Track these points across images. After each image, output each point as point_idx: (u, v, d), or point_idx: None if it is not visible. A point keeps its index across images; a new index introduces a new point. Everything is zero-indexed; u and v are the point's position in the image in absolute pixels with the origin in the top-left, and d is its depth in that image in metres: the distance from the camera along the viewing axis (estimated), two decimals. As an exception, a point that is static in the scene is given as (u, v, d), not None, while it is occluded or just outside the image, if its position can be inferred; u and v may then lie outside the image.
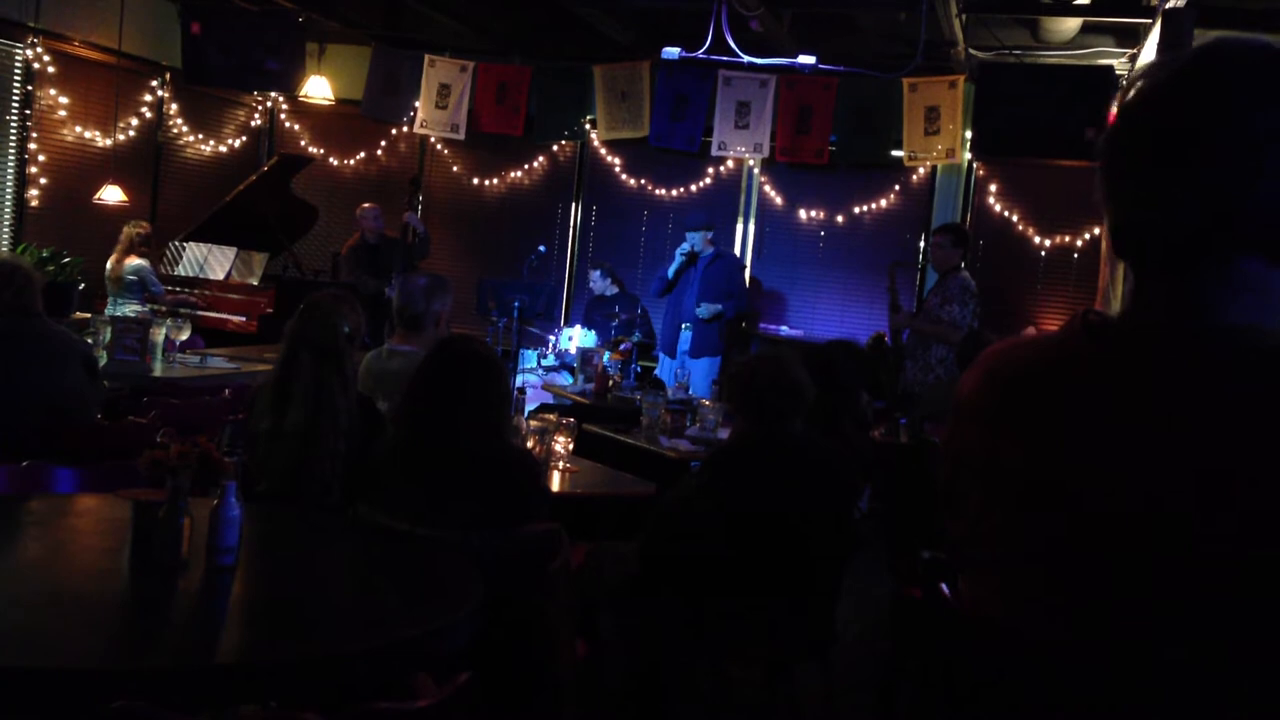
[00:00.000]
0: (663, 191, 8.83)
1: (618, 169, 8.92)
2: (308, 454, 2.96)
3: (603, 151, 8.88)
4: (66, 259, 7.65)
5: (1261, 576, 0.98)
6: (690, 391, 5.97)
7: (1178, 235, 1.08)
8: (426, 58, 8.65)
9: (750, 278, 8.34)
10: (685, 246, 7.31)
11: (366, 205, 8.28)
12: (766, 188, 8.62)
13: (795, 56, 6.76)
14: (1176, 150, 1.07)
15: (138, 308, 7.02)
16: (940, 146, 7.61)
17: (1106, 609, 1.05)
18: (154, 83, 8.71)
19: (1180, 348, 1.07)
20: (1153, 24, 5.80)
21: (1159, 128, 1.09)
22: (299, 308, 3.16)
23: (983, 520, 1.17)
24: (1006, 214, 8.06)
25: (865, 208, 8.37)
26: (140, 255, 7.24)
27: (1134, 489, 1.03)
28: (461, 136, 8.71)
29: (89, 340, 5.18)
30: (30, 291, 3.94)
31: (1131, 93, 1.11)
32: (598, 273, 8.14)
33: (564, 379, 6.79)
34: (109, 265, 7.27)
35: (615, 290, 8.07)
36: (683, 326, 7.40)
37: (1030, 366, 1.16)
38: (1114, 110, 1.14)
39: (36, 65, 7.75)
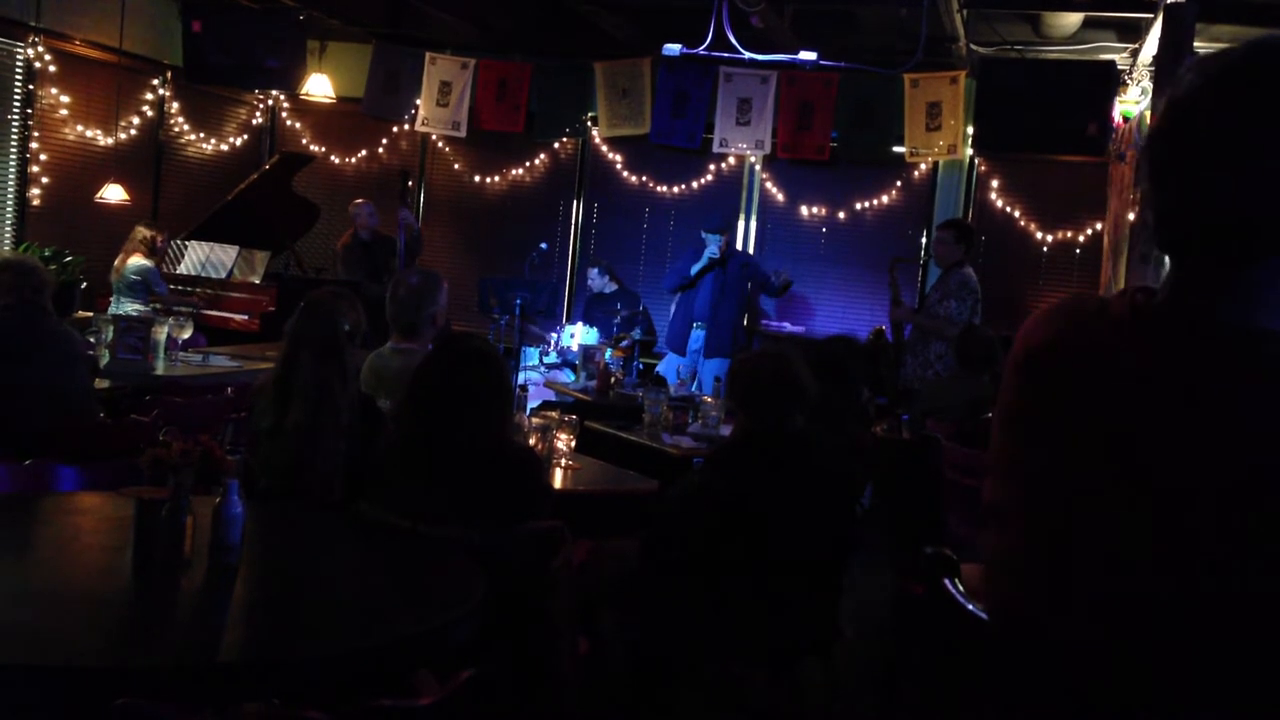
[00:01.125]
0: (664, 188, 8.83)
1: (619, 166, 8.91)
2: (308, 452, 2.96)
3: (604, 148, 8.88)
4: (68, 258, 7.65)
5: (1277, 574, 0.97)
6: (698, 388, 5.96)
7: (1222, 229, 1.08)
8: (427, 55, 8.65)
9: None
10: (713, 250, 7.27)
11: (359, 201, 8.26)
12: (768, 184, 8.61)
13: (796, 53, 6.74)
14: (1226, 144, 1.06)
15: (141, 307, 7.02)
16: (942, 142, 7.60)
17: (1117, 605, 1.05)
18: (155, 81, 8.71)
19: (1218, 346, 1.06)
20: (1154, 19, 5.79)
21: (1209, 122, 1.08)
22: (299, 306, 3.16)
23: (1011, 484, 1.17)
24: (1008, 210, 8.05)
25: (867, 204, 8.36)
26: (145, 256, 7.24)
27: (1160, 484, 1.03)
28: (462, 134, 8.71)
29: (91, 339, 5.19)
30: (46, 291, 4.07)
31: (1181, 85, 1.10)
32: (595, 270, 8.13)
33: (566, 376, 6.80)
34: (115, 264, 7.28)
35: (614, 287, 8.07)
36: (694, 325, 7.39)
37: (1078, 343, 1.16)
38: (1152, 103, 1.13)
39: (38, 64, 7.75)
